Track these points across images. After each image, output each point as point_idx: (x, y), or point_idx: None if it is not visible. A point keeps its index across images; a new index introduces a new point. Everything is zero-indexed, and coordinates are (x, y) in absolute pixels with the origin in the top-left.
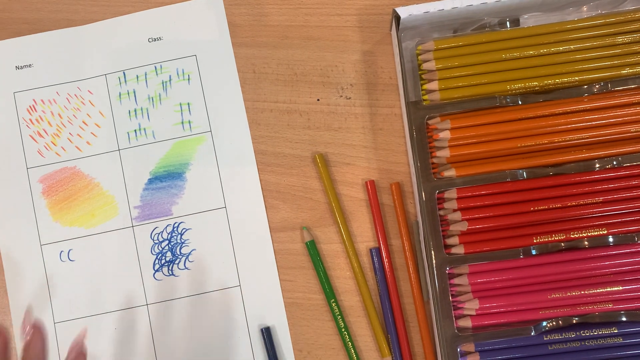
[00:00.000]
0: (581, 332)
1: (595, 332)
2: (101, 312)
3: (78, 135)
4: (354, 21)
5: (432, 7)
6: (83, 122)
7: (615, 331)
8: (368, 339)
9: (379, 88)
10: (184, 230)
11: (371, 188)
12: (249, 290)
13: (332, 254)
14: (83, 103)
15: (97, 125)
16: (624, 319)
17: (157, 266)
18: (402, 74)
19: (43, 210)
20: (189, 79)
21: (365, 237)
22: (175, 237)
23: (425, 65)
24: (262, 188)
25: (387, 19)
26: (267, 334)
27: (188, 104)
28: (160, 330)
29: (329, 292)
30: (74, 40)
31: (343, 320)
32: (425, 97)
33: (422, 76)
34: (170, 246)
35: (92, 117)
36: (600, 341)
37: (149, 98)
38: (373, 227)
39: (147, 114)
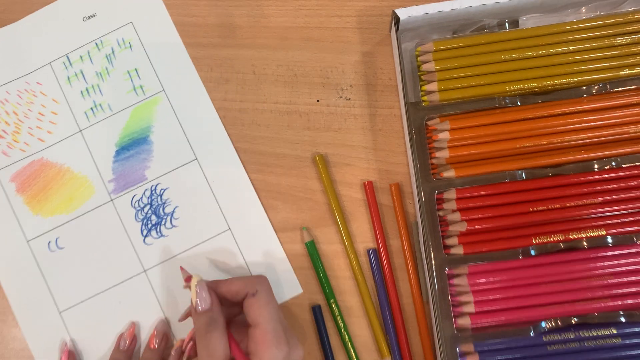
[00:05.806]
0: (580, 332)
1: (594, 332)
2: (102, 290)
3: (37, 127)
4: (354, 22)
5: (431, 9)
6: (39, 113)
7: (615, 332)
8: (368, 339)
9: (378, 89)
10: (162, 190)
11: (369, 189)
12: (239, 231)
13: (332, 254)
14: (35, 95)
15: (54, 113)
16: (623, 319)
17: (144, 232)
18: (402, 75)
19: (21, 207)
20: (130, 46)
21: (365, 237)
22: (155, 199)
23: (424, 67)
24: (262, 189)
25: (386, 20)
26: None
27: (135, 69)
28: (163, 291)
29: (329, 292)
30: (11, 37)
31: (343, 320)
32: (425, 98)
33: (422, 77)
34: (152, 209)
35: (46, 106)
36: (599, 342)
37: (97, 74)
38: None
39: (99, 89)
